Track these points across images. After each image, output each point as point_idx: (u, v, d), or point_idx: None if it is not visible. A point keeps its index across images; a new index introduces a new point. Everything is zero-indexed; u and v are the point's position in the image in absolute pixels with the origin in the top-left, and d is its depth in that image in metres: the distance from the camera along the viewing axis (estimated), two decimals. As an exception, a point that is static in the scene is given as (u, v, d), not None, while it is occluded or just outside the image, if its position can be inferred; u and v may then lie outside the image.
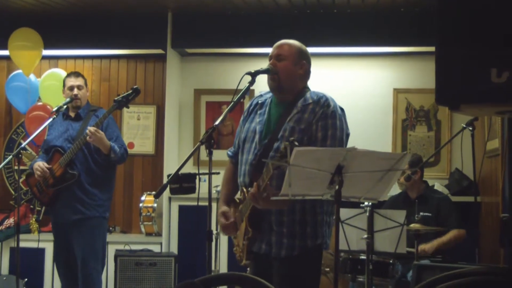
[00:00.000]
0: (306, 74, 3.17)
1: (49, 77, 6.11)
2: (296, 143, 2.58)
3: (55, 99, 5.76)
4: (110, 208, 4.84)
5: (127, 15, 6.15)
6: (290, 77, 3.10)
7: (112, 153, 4.56)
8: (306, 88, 3.17)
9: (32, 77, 6.14)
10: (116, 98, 4.53)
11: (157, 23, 6.13)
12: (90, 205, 4.63)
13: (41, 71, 6.29)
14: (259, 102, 3.23)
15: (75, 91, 4.75)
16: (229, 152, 3.36)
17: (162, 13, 6.10)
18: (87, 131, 4.44)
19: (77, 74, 4.86)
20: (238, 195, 3.21)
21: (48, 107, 5.86)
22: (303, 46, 3.19)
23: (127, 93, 4.53)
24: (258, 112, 3.19)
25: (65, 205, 4.61)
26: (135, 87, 4.57)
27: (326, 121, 3.00)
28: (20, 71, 6.18)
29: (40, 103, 6.10)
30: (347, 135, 3.09)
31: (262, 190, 2.82)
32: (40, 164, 4.63)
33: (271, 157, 2.88)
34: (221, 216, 3.20)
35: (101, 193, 4.70)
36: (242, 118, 3.30)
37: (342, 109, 3.11)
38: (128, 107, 4.60)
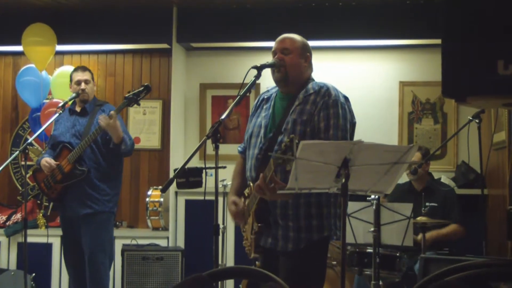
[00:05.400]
0: (310, 65, 3.20)
1: (61, 75, 6.05)
2: (297, 141, 2.56)
3: (66, 96, 5.74)
4: (118, 203, 4.85)
5: (133, 10, 6.14)
6: (297, 69, 3.12)
7: (123, 144, 4.54)
8: (309, 80, 3.17)
9: (43, 72, 6.11)
10: (126, 95, 4.49)
11: (162, 18, 6.12)
12: (100, 200, 4.64)
13: (48, 66, 6.28)
14: (265, 97, 3.26)
15: (82, 85, 4.74)
16: (239, 148, 3.40)
17: (167, 8, 6.08)
18: (100, 119, 4.40)
19: (84, 68, 4.85)
20: (246, 190, 3.21)
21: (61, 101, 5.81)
22: (304, 39, 3.22)
23: (138, 90, 4.47)
24: (264, 106, 3.21)
25: (75, 200, 4.61)
26: (146, 84, 4.51)
27: (328, 111, 3.00)
28: (31, 65, 6.15)
29: (54, 100, 6.06)
30: (353, 124, 3.08)
31: (269, 182, 2.82)
32: (48, 160, 4.63)
33: (275, 152, 2.87)
34: (232, 204, 3.22)
35: (109, 188, 4.70)
36: (250, 114, 3.32)
37: (346, 98, 3.09)
38: (139, 105, 4.52)
